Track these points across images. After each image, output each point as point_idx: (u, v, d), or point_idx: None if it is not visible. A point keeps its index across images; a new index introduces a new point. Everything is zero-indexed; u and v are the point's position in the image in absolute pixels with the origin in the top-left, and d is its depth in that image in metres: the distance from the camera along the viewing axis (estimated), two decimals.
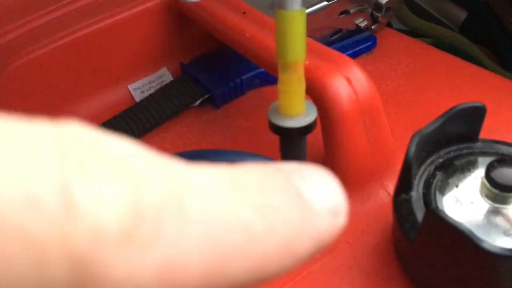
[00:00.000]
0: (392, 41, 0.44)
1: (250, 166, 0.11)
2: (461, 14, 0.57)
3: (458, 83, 0.39)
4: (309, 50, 0.25)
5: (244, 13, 0.35)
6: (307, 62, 0.25)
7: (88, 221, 0.08)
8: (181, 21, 0.40)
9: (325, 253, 0.28)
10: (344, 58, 0.30)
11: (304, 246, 0.10)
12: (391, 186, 0.30)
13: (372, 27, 0.43)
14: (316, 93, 0.28)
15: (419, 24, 0.54)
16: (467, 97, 0.26)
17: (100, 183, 0.08)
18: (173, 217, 0.09)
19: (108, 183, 0.08)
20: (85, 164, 0.08)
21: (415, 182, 0.25)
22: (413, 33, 0.52)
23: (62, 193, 0.08)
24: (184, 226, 0.09)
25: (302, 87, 0.25)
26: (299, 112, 0.26)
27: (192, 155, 0.24)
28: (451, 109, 0.25)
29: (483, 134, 0.27)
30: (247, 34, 0.33)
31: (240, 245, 0.09)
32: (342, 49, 0.40)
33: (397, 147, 0.31)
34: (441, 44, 0.48)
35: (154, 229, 0.09)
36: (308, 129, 0.26)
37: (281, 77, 0.25)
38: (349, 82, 0.28)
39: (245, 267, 0.10)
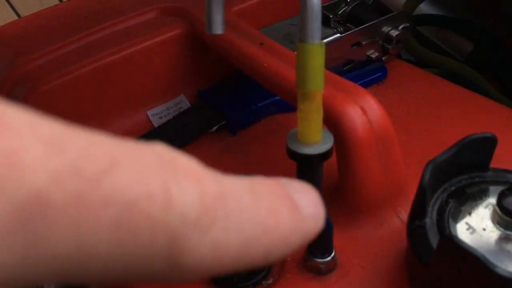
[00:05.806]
0: (402, 72, 0.45)
1: (260, 178, 0.16)
2: (468, 46, 0.58)
3: (467, 113, 0.40)
4: (326, 81, 0.26)
5: (261, 44, 0.36)
6: (323, 92, 0.26)
7: (179, 210, 0.13)
8: (199, 50, 0.42)
9: (339, 276, 0.28)
10: (359, 88, 0.31)
11: (296, 240, 0.15)
12: (403, 212, 0.31)
13: (383, 58, 0.44)
14: (332, 121, 0.30)
15: (426, 55, 0.56)
16: (476, 127, 0.27)
17: (183, 186, 0.13)
18: (221, 210, 0.14)
19: (187, 186, 0.13)
20: (172, 174, 0.13)
21: (429, 209, 0.26)
22: (421, 63, 0.53)
23: (165, 193, 0.13)
24: (228, 218, 0.14)
25: (320, 115, 0.27)
26: (316, 139, 0.27)
27: None
28: (463, 139, 0.26)
29: (493, 163, 0.28)
30: (265, 64, 0.34)
31: (257, 235, 0.14)
32: (354, 79, 0.42)
33: (408, 175, 0.32)
34: (447, 74, 0.49)
35: (211, 219, 0.13)
36: (325, 156, 0.27)
37: (300, 106, 0.26)
38: (364, 111, 0.30)
39: (261, 250, 0.14)
